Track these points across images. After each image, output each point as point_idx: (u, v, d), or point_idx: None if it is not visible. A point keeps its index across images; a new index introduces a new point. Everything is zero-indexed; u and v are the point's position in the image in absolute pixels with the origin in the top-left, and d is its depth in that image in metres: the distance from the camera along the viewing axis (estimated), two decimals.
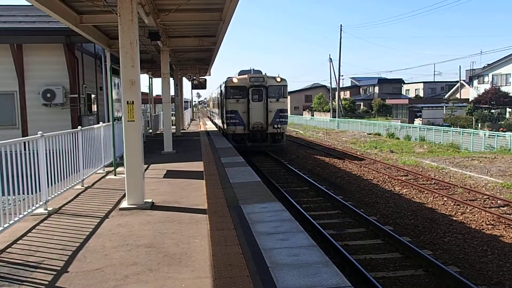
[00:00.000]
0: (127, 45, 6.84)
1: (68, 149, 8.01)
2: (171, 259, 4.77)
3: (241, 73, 22.10)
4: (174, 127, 23.22)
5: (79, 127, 9.18)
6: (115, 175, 10.36)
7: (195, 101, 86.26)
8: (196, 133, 26.10)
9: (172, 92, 21.59)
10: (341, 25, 57.18)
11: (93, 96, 18.14)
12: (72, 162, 8.26)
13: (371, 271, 7.22)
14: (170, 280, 4.23)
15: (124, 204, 7.22)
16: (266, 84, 20.42)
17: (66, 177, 7.94)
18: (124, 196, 7.64)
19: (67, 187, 8.02)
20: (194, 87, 30.57)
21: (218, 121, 27.41)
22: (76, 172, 8.62)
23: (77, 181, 8.70)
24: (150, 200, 7.41)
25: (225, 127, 21.23)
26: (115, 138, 10.75)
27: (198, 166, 11.74)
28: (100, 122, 11.26)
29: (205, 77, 30.63)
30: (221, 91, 22.95)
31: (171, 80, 20.84)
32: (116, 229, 5.94)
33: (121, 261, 4.73)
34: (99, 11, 10.12)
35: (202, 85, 29.95)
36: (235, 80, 20.62)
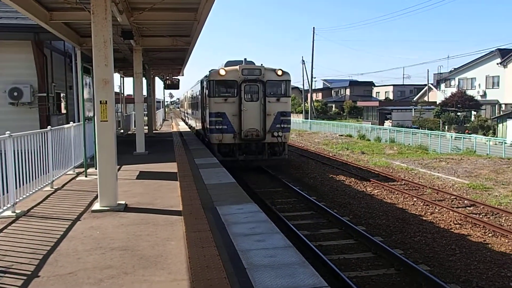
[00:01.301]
0: (100, 44, 6.70)
1: (37, 149, 7.79)
2: (146, 261, 4.69)
3: (229, 64, 17.02)
4: (146, 127, 22.94)
5: (49, 127, 8.94)
6: (86, 176, 10.13)
7: (167, 101, 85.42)
8: (169, 133, 25.87)
9: (144, 92, 21.32)
10: (313, 27, 57.96)
11: (62, 95, 17.69)
12: (41, 163, 8.02)
13: (345, 271, 7.31)
14: (146, 283, 4.17)
15: (97, 206, 7.06)
16: (264, 79, 15.76)
17: (35, 179, 7.71)
18: (96, 198, 7.49)
19: (36, 189, 7.79)
20: (167, 87, 30.20)
21: (197, 125, 22.49)
22: (45, 173, 8.38)
23: (47, 183, 8.45)
24: (123, 202, 7.28)
25: (208, 134, 16.34)
26: (86, 139, 10.53)
27: (171, 167, 11.62)
28: (71, 122, 11.00)
29: (178, 77, 30.38)
30: (202, 87, 18.29)
31: (144, 80, 20.52)
32: (89, 231, 5.81)
33: (94, 264, 4.62)
34: (70, 8, 9.89)
35: (175, 85, 29.65)
36: (222, 73, 15.66)
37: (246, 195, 8.11)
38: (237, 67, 15.94)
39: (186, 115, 36.16)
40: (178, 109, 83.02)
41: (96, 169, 10.84)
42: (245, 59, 16.70)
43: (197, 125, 22.28)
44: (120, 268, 4.50)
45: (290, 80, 16.44)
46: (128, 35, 11.51)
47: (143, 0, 9.68)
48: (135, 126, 27.84)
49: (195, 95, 23.42)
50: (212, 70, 16.48)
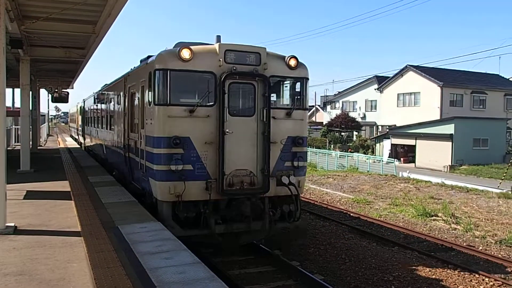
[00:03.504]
0: None
1: None
2: (47, 286, 4.42)
3: (179, 46, 8.06)
4: (30, 143, 21.14)
5: None
6: None
7: (51, 115, 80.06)
8: (56, 150, 24.16)
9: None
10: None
11: None
12: None
13: (248, 284, 7.56)
14: None
15: None
16: (267, 72, 8.23)
17: None
18: None
19: None
20: (54, 100, 28.13)
21: (106, 154, 14.25)
22: None
23: None
24: (12, 224, 6.69)
25: (150, 180, 8.28)
26: None
27: (63, 185, 10.94)
28: None
29: (68, 90, 28.55)
30: (126, 89, 10.43)
31: None
32: None
33: None
34: None
35: (63, 99, 27.72)
36: (185, 55, 7.67)
37: (148, 213, 7.97)
38: (216, 46, 8.12)
39: (79, 132, 27.51)
40: (65, 124, 77.58)
41: None
42: (218, 36, 8.42)
43: (106, 153, 14.28)
44: None
45: (308, 78, 9.03)
46: (17, 44, 10.65)
47: (39, 9, 9.11)
48: (15, 141, 25.50)
49: (100, 106, 15.41)
50: (163, 51, 8.20)
